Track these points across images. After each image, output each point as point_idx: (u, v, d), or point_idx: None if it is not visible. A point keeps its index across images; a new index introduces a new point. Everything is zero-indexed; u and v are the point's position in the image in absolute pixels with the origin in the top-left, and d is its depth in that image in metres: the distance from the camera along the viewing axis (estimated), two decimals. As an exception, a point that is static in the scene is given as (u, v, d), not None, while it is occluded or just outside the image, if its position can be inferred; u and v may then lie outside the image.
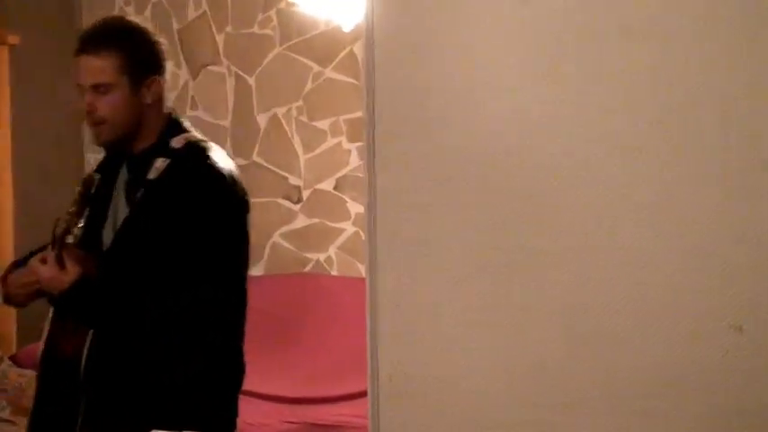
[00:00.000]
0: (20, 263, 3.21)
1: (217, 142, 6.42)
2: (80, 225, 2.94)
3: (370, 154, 2.28)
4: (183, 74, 6.70)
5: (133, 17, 6.59)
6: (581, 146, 2.10)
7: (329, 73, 6.55)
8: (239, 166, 6.52)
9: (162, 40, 3.15)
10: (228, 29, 6.68)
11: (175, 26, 6.71)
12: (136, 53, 3.06)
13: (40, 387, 3.06)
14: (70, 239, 2.93)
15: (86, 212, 2.96)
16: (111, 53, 3.02)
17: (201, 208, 3.03)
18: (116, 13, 6.76)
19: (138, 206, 3.03)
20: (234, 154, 6.64)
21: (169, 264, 2.97)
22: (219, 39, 6.69)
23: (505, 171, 2.13)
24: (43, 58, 6.52)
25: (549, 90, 2.16)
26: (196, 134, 3.19)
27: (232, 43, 6.69)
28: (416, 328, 2.22)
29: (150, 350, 3.03)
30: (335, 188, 6.59)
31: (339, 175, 6.53)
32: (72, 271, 2.90)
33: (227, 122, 6.70)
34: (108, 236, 3.11)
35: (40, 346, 3.05)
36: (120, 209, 3.12)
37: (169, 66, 6.50)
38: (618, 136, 2.12)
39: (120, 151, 3.15)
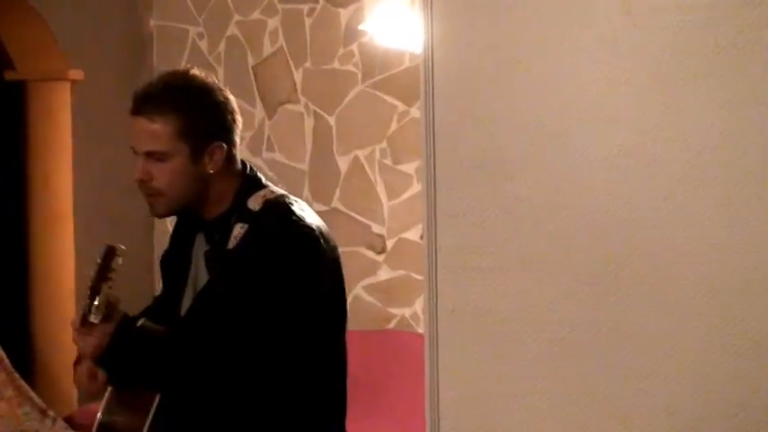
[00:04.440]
0: None
1: (294, 186, 6.43)
2: (97, 303, 2.80)
3: (429, 205, 1.99)
4: (259, 112, 6.51)
5: (206, 51, 6.46)
6: (699, 198, 1.78)
7: (415, 112, 6.31)
8: (317, 212, 6.43)
9: (231, 97, 2.91)
10: (307, 64, 6.49)
11: (250, 62, 6.54)
12: (196, 118, 2.86)
13: None
14: (93, 319, 2.81)
15: (108, 284, 2.79)
16: (168, 118, 2.82)
17: (287, 268, 2.85)
18: (188, 47, 6.61)
19: (217, 274, 2.88)
20: (312, 199, 6.46)
21: (252, 330, 2.81)
22: (297, 75, 6.50)
23: (594, 230, 1.82)
24: (108, 95, 6.37)
25: (662, 124, 1.84)
26: (275, 189, 3.00)
27: (311, 80, 6.50)
28: (482, 422, 1.91)
29: (221, 426, 2.88)
30: (422, 237, 6.31)
31: (426, 222, 6.25)
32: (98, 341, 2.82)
33: (304, 165, 6.49)
34: (187, 305, 2.97)
35: (93, 427, 2.87)
36: (200, 278, 2.97)
37: (243, 104, 6.44)
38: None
39: (189, 218, 3.00)
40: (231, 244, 2.84)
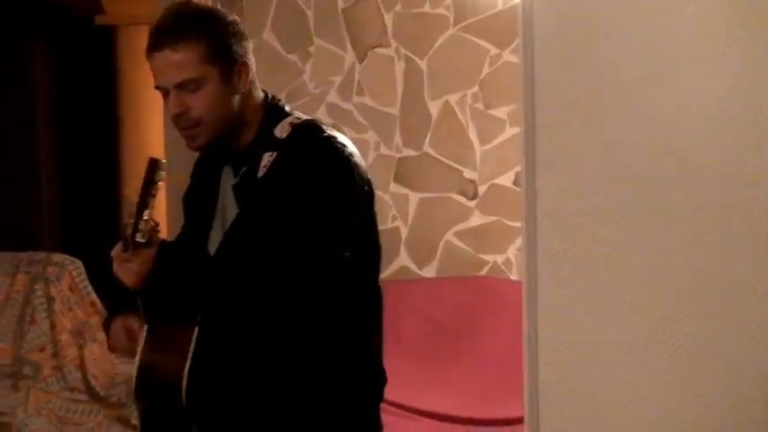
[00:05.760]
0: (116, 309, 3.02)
1: (384, 131, 6.41)
2: (146, 218, 2.69)
3: (528, 150, 1.96)
4: (349, 57, 6.47)
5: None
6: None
7: (507, 56, 6.26)
8: (409, 158, 6.42)
9: (237, 18, 2.87)
10: (398, 8, 6.44)
11: (341, 5, 6.50)
12: (218, 38, 2.80)
13: (143, 418, 2.87)
14: (140, 238, 2.69)
15: (153, 202, 2.71)
16: (191, 44, 2.77)
17: (318, 185, 2.77)
18: (278, -9, 6.58)
19: (247, 204, 2.81)
20: (403, 144, 6.43)
21: (287, 250, 2.73)
22: (388, 19, 6.45)
23: (693, 177, 1.78)
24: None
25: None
26: (301, 115, 2.92)
27: (402, 24, 6.44)
28: (582, 369, 1.89)
29: (260, 358, 2.82)
30: (515, 183, 6.31)
31: (519, 168, 6.19)
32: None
33: (395, 110, 6.45)
34: (215, 242, 2.90)
35: (133, 371, 2.84)
36: (229, 211, 2.89)
37: (333, 48, 6.42)
38: None
39: (220, 149, 2.89)
40: (260, 173, 2.80)
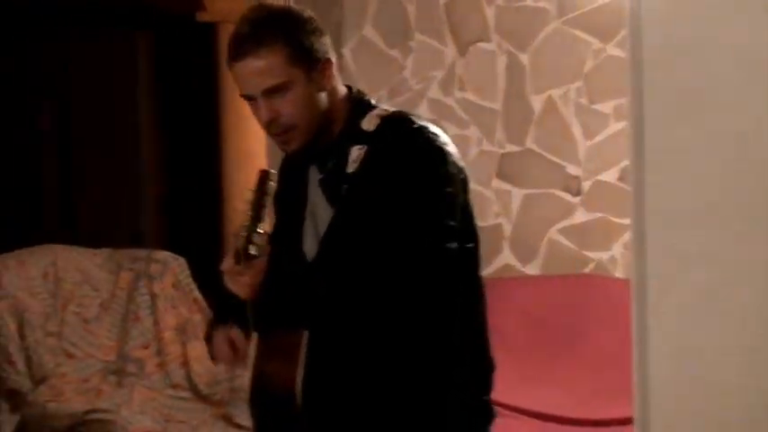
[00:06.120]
0: (219, 320, 3.02)
1: (487, 126, 6.37)
2: (260, 231, 2.69)
3: (637, 144, 1.91)
4: (450, 52, 6.43)
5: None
6: None
7: (612, 50, 6.19)
8: (512, 153, 6.37)
9: (313, 14, 2.84)
10: (499, 1, 6.38)
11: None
12: (298, 38, 2.78)
13: (257, 425, 2.89)
14: (253, 251, 2.70)
15: (266, 214, 2.70)
16: (272, 48, 2.75)
17: (419, 175, 2.75)
18: (379, -13, 6.56)
19: (343, 204, 2.79)
20: (506, 140, 6.38)
21: (390, 251, 2.72)
22: (489, 12, 6.40)
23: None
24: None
25: None
26: (388, 108, 2.91)
27: (503, 17, 6.38)
28: (693, 371, 1.83)
29: (366, 356, 2.80)
30: (620, 179, 6.23)
31: (624, 164, 6.13)
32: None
33: (497, 105, 6.40)
34: (309, 242, 2.89)
35: (247, 382, 2.84)
36: (319, 211, 2.88)
37: (434, 42, 6.39)
38: None
39: (312, 149, 2.88)
40: (351, 168, 2.78)
